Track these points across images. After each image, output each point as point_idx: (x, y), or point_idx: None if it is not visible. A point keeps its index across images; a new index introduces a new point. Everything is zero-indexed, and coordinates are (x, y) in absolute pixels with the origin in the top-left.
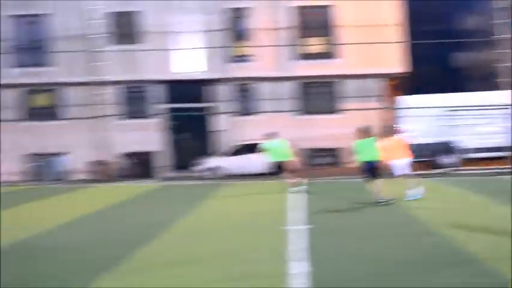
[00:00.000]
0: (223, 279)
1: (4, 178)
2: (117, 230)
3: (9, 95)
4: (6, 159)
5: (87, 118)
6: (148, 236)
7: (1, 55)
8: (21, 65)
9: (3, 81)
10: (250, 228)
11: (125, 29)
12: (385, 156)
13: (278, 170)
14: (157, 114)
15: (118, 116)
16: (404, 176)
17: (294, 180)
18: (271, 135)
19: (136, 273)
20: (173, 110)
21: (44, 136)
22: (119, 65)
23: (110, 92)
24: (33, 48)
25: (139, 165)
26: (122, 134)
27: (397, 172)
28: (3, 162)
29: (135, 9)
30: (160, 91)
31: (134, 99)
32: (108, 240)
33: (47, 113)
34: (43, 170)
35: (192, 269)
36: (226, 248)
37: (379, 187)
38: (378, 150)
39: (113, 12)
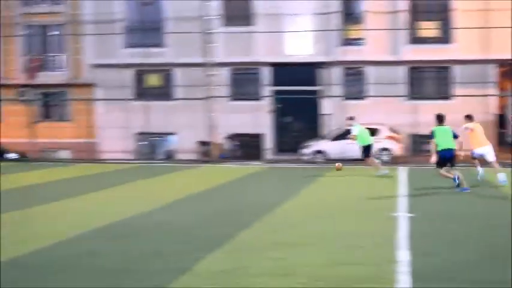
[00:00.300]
0: (327, 264)
1: (116, 156)
2: (222, 211)
3: (121, 75)
4: (118, 138)
5: (197, 99)
6: (253, 217)
7: (115, 35)
8: (134, 45)
9: (117, 61)
10: (355, 213)
11: (238, 11)
12: (472, 143)
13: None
14: (265, 97)
15: (227, 98)
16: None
17: (376, 165)
18: (352, 119)
19: (241, 254)
20: (280, 92)
21: (154, 116)
22: (230, 46)
23: (220, 74)
24: (146, 29)
25: (246, 147)
26: (230, 115)
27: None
28: (116, 141)
29: None
30: (270, 73)
31: (243, 81)
32: (214, 220)
33: (158, 93)
34: (152, 149)
35: (296, 252)
36: (330, 232)
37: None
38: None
39: None
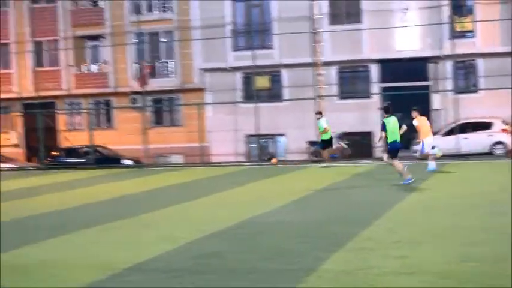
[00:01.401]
0: (452, 261)
1: (227, 159)
2: (339, 210)
3: (230, 78)
4: (229, 141)
5: (305, 99)
6: (371, 216)
7: (223, 39)
8: (242, 48)
9: (225, 65)
10: (473, 208)
11: (345, 8)
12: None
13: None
14: (374, 94)
15: (335, 97)
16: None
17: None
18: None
19: (363, 253)
20: (389, 89)
21: (263, 117)
22: (338, 45)
23: (327, 73)
24: (253, 31)
25: (356, 146)
26: (339, 114)
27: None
28: (226, 144)
29: None
30: (378, 70)
31: (351, 79)
32: (332, 218)
33: (267, 95)
34: (262, 150)
35: (419, 249)
36: (451, 228)
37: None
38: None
39: None
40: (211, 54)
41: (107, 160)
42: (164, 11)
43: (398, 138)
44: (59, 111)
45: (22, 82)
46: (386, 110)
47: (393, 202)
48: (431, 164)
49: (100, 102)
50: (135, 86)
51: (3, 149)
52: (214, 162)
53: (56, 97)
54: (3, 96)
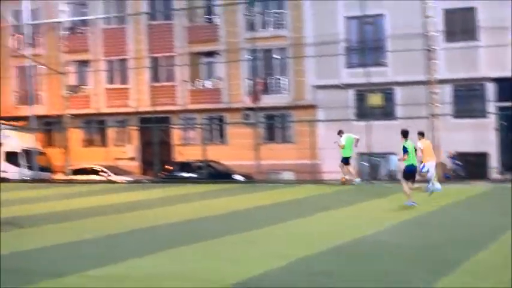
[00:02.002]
0: None
1: (337, 176)
2: (451, 231)
3: (342, 96)
4: (339, 158)
5: (419, 118)
6: (487, 238)
7: (336, 56)
8: (355, 65)
9: (338, 82)
10: None
11: (460, 25)
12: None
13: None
14: (490, 113)
15: (450, 115)
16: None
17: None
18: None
19: (477, 277)
20: (506, 108)
21: (376, 135)
22: (453, 62)
23: (442, 91)
24: (367, 48)
25: (470, 166)
26: (453, 133)
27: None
28: (337, 161)
29: (469, 5)
30: (495, 89)
31: (467, 98)
32: (443, 240)
33: (379, 113)
34: (374, 169)
35: None
36: None
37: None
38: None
39: (447, 9)
40: (323, 71)
41: (219, 175)
42: (278, 27)
43: (415, 162)
44: (173, 126)
45: (139, 97)
46: (405, 135)
47: (506, 227)
48: (436, 184)
49: (213, 117)
50: (248, 102)
51: (120, 162)
52: (326, 180)
53: (171, 112)
54: (121, 110)
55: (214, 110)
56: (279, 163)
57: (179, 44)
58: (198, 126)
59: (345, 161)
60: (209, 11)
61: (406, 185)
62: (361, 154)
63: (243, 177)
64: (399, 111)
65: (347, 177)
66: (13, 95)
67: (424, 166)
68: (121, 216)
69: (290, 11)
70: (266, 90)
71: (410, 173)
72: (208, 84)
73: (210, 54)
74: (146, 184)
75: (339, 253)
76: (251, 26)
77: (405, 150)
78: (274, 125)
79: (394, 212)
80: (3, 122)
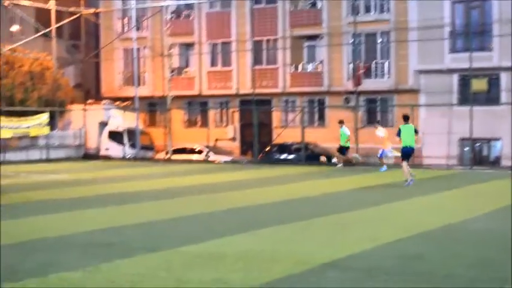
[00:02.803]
0: None
1: (438, 161)
2: None
3: (445, 81)
4: (441, 144)
5: None
6: None
7: (440, 41)
8: (459, 50)
9: (441, 67)
10: None
11: None
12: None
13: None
14: None
15: None
16: None
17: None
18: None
19: None
20: None
21: (479, 121)
22: None
23: None
24: (472, 32)
25: None
26: None
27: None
28: (438, 146)
29: None
30: None
31: None
32: None
33: (483, 98)
34: (475, 155)
35: None
36: None
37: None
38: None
39: None
40: (427, 56)
41: (317, 157)
42: (382, 11)
43: (412, 144)
44: (273, 109)
45: (241, 79)
46: (406, 119)
47: None
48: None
49: (314, 100)
50: (349, 85)
51: (220, 143)
52: (426, 165)
53: (271, 94)
54: (223, 92)
55: (315, 93)
56: (379, 147)
57: (282, 28)
58: (298, 109)
59: (343, 151)
60: None
61: (405, 166)
62: (463, 139)
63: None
64: (504, 97)
65: (339, 165)
66: (119, 76)
67: (383, 152)
68: (218, 195)
69: None
70: (368, 74)
71: (407, 154)
72: (310, 67)
73: (312, 37)
74: (245, 165)
75: (432, 237)
76: (354, 10)
77: (398, 133)
78: (375, 109)
79: (490, 199)
80: (108, 102)
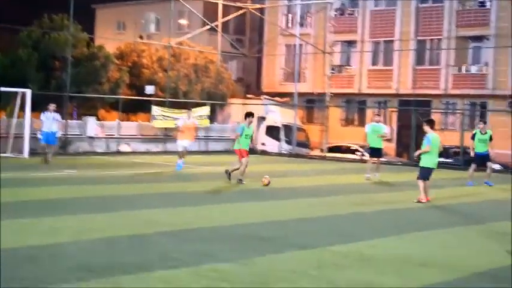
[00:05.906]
0: None
1: None
2: None
3: None
4: None
5: None
6: None
7: None
8: None
9: None
10: None
11: None
12: None
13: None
14: None
15: None
16: None
17: None
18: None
19: None
20: None
21: None
22: None
23: None
24: None
25: None
26: None
27: None
28: None
29: None
30: None
31: None
32: None
33: None
34: None
35: None
36: None
37: None
38: None
39: None
40: None
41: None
42: None
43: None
44: (433, 110)
45: (401, 79)
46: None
47: None
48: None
49: (476, 103)
50: None
51: None
52: None
53: (432, 96)
54: (382, 91)
55: (477, 95)
56: None
57: (447, 27)
58: (459, 111)
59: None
60: None
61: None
62: None
63: (499, 166)
64: None
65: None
66: (280, 72)
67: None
68: (368, 196)
69: None
70: None
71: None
72: (474, 69)
73: (478, 38)
74: (399, 166)
75: None
76: None
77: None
78: None
79: None
80: (267, 97)
